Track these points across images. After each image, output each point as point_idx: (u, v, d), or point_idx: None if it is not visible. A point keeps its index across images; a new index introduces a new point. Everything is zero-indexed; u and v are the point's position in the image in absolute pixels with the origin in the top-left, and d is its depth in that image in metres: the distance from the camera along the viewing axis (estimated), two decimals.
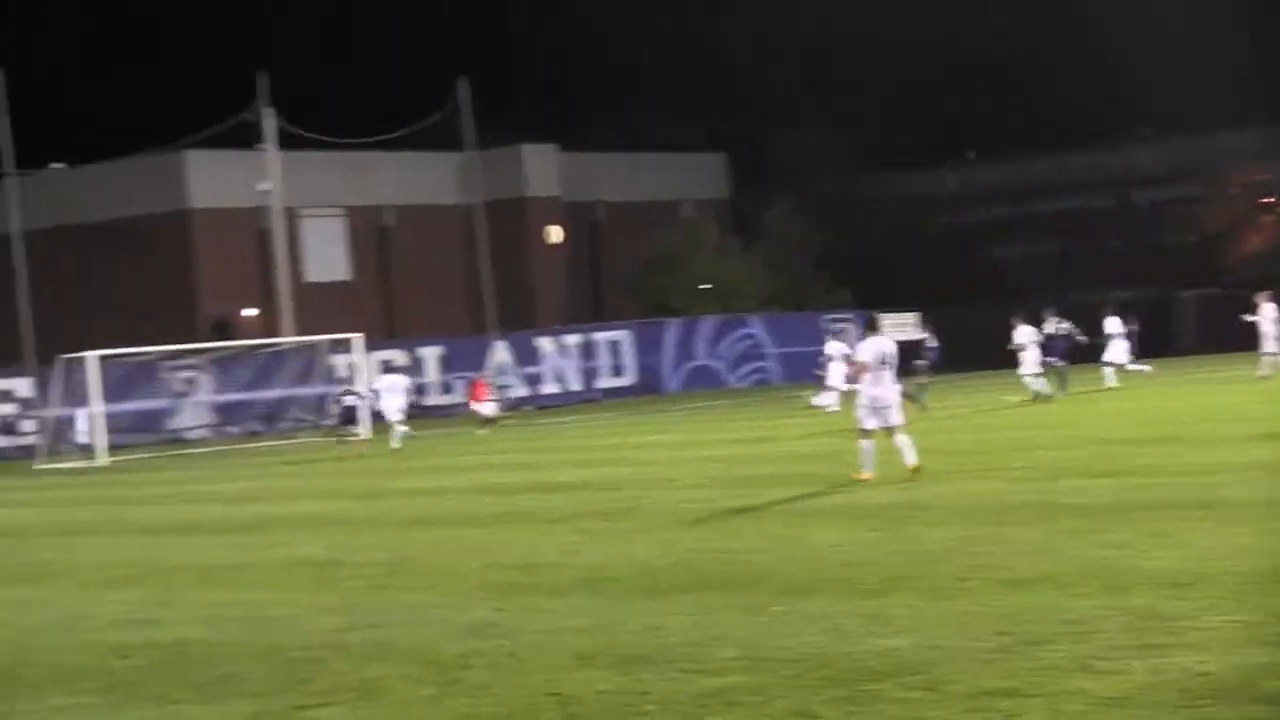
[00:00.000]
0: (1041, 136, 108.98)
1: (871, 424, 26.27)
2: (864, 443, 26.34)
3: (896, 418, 26.44)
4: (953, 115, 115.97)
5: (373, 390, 52.01)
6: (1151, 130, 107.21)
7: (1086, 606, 14.15)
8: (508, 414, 58.24)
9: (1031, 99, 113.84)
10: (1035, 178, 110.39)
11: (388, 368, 54.38)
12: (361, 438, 50.48)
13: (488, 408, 55.89)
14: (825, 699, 11.58)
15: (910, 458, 26.14)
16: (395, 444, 48.07)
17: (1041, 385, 47.54)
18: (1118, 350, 51.85)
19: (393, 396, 49.75)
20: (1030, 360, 48.44)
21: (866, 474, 25.99)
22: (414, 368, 70.34)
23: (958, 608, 14.53)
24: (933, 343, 53.17)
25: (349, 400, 51.80)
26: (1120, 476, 24.33)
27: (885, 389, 26.36)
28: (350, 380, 54.28)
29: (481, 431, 53.83)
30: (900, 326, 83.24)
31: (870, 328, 27.76)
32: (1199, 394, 45.66)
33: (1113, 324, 52.28)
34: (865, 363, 26.68)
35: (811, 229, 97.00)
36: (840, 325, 54.59)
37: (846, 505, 23.12)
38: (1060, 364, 50.20)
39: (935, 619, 14.08)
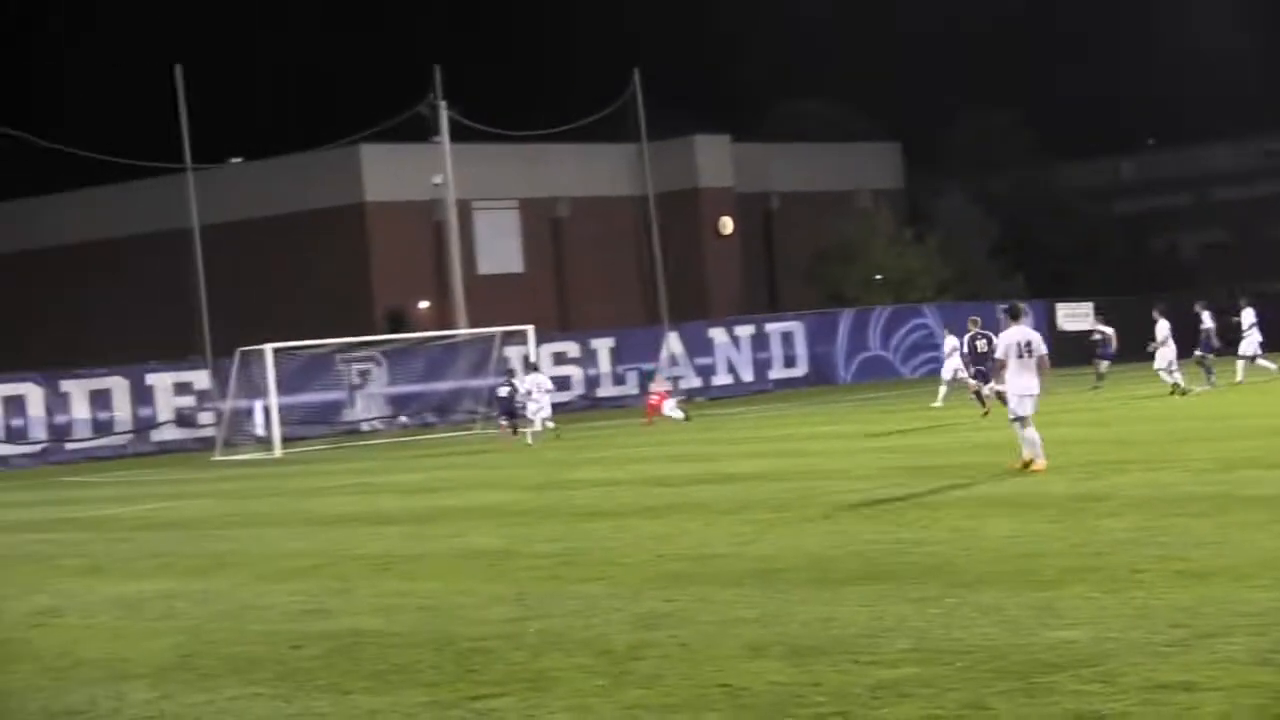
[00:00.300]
0: (1219, 123, 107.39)
1: (1025, 410, 26.20)
2: (1025, 431, 26.27)
3: (1032, 408, 26.34)
4: (1130, 102, 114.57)
5: (515, 387, 51.76)
6: None
7: (1265, 599, 13.92)
8: (683, 404, 58.14)
9: (1210, 86, 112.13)
10: (1213, 165, 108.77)
11: (529, 366, 54.28)
12: (514, 430, 50.47)
13: (671, 407, 55.95)
14: (998, 691, 11.48)
15: (1027, 453, 26.14)
16: (529, 441, 48.57)
17: (1177, 378, 46.58)
18: (1250, 343, 50.54)
19: (538, 396, 49.81)
20: (1164, 354, 47.50)
21: (1040, 463, 25.81)
22: (585, 359, 70.64)
23: (1134, 599, 14.34)
24: (1106, 332, 52.50)
25: (504, 392, 51.98)
26: None
27: (1028, 378, 26.24)
28: (509, 373, 54.53)
29: (678, 417, 54.34)
30: (1075, 316, 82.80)
31: (1012, 316, 27.39)
32: None
33: (1248, 316, 51.03)
34: (1000, 358, 26.77)
35: (986, 218, 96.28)
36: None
37: (1021, 495, 22.89)
38: (1208, 356, 49.42)
39: (1111, 611, 13.90)
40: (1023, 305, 28.73)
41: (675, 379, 69.56)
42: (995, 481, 25.15)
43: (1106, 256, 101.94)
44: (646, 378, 62.13)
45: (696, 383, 71.98)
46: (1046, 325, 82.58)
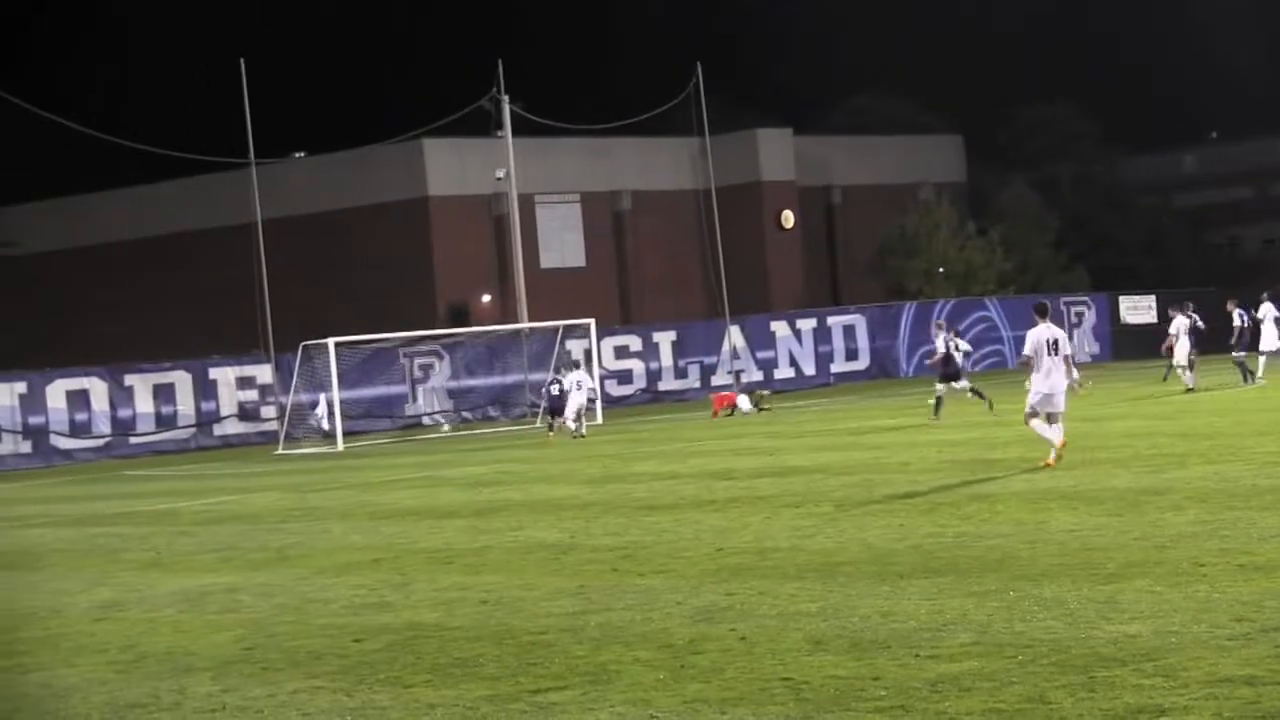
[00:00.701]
0: None
1: (1038, 408, 26.50)
2: (1035, 424, 26.71)
3: (1060, 405, 26.48)
4: (1192, 95, 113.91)
5: (559, 384, 51.72)
6: None
7: None
8: (759, 396, 57.99)
9: (1272, 79, 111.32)
10: (1275, 159, 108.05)
11: (569, 364, 54.27)
12: (561, 426, 50.32)
13: (744, 403, 56.00)
14: (1060, 685, 11.45)
15: (1053, 453, 26.25)
16: (579, 432, 48.91)
17: (1190, 378, 45.80)
18: (1270, 338, 49.84)
19: (577, 394, 49.76)
20: (1182, 351, 46.96)
21: (1049, 458, 26.12)
22: (647, 352, 70.60)
23: (1196, 593, 14.28)
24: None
25: (555, 390, 51.84)
26: None
27: (1057, 377, 26.28)
28: (557, 369, 54.61)
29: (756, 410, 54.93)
30: (1138, 309, 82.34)
31: (1039, 314, 27.30)
32: None
33: (1267, 310, 50.39)
34: (1028, 356, 26.76)
35: (1048, 211, 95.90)
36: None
37: (1083, 489, 22.79)
38: (1243, 354, 49.01)
39: (1173, 605, 13.85)
40: (1048, 304, 28.53)
41: (738, 373, 69.47)
42: (1056, 475, 25.05)
43: (1168, 250, 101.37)
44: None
45: (758, 376, 71.79)
46: (1110, 318, 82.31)
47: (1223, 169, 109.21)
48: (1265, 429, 30.83)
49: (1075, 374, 27.28)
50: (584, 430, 49.35)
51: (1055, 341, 26.42)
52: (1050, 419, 26.31)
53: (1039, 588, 15.18)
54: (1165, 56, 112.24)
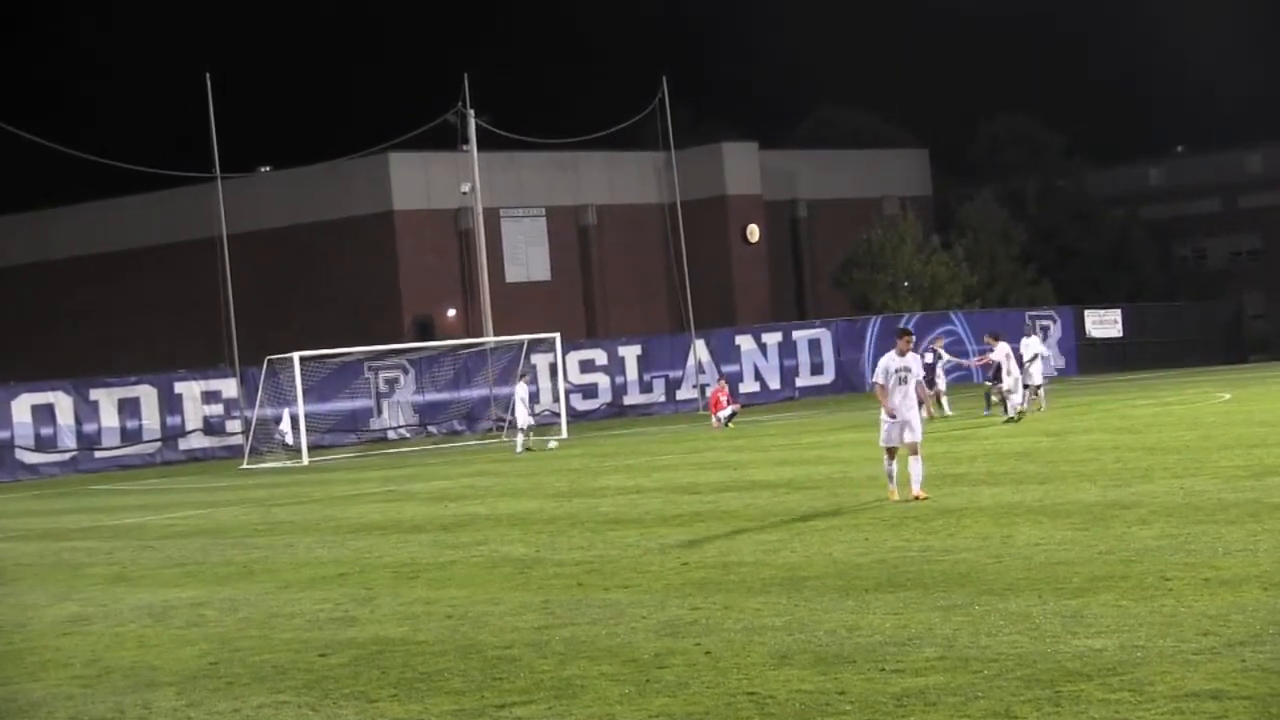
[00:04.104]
0: (1247, 130, 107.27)
1: (891, 440, 25.12)
2: (887, 466, 25.35)
3: (917, 435, 25.05)
4: (1158, 108, 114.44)
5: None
6: None
7: None
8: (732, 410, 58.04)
9: (1238, 92, 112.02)
10: (1241, 172, 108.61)
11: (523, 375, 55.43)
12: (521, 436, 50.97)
13: (726, 412, 56.18)
14: (1025, 699, 11.44)
15: (910, 491, 24.88)
16: (518, 450, 49.90)
17: (1017, 401, 45.16)
18: (1034, 371, 49.42)
19: (521, 405, 50.80)
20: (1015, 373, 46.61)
21: (893, 491, 25.09)
22: (612, 366, 70.57)
23: (1163, 607, 14.30)
24: None
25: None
26: None
27: (905, 409, 24.87)
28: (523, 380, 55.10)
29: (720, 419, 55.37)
30: (1104, 323, 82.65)
31: (898, 336, 26.06)
32: None
33: (1030, 344, 50.00)
34: (880, 382, 25.24)
35: (1014, 225, 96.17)
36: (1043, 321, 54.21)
37: (1050, 503, 22.83)
38: None
39: (1139, 619, 13.87)
40: (910, 330, 26.99)
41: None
42: (1022, 489, 25.08)
43: (1134, 263, 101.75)
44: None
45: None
46: (1075, 331, 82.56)
47: (1189, 182, 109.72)
48: (1230, 443, 30.92)
49: (928, 409, 26.29)
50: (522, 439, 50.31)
51: (905, 370, 25.12)
52: (911, 450, 25.10)
53: (1005, 602, 15.19)
54: (1132, 71, 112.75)
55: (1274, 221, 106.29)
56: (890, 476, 25.09)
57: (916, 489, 24.77)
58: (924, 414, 26.89)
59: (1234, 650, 12.40)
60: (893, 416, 24.88)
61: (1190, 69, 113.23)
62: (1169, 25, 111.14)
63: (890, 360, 25.33)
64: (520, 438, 50.75)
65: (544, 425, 60.81)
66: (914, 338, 26.67)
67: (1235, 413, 41.03)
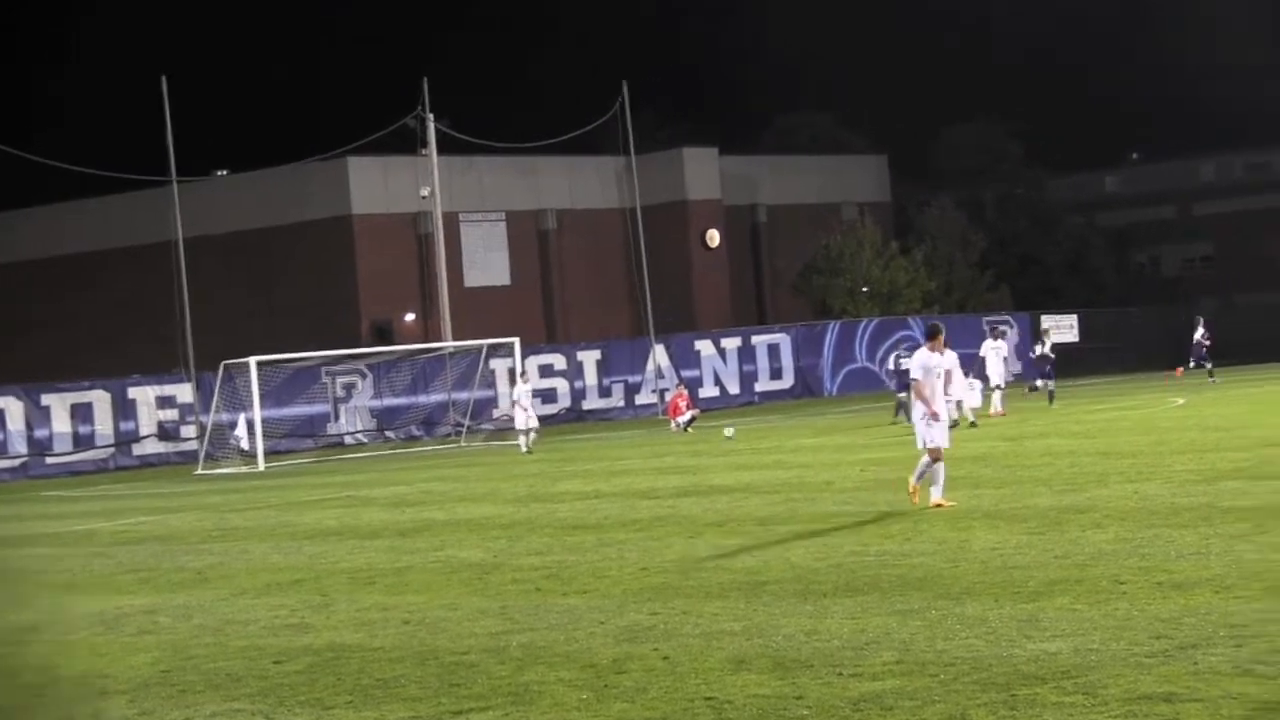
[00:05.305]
0: (1202, 138, 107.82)
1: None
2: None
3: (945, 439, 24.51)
4: (1114, 116, 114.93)
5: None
6: None
7: (1247, 610, 13.96)
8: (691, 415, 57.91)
9: (1193, 101, 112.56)
10: (1197, 180, 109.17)
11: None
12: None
13: (686, 417, 56.20)
14: (981, 703, 11.47)
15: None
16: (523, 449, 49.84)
17: (975, 402, 45.65)
18: (995, 373, 50.09)
19: (520, 408, 51.05)
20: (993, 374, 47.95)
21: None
22: (572, 371, 70.51)
23: (1117, 611, 14.36)
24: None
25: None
26: None
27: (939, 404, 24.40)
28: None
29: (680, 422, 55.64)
30: (1060, 328, 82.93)
31: (934, 333, 25.26)
32: None
33: (988, 346, 50.95)
34: (920, 380, 24.43)
35: (972, 230, 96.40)
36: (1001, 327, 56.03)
37: (1005, 508, 22.89)
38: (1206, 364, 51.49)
39: (1093, 622, 13.92)
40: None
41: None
42: (978, 493, 25.14)
43: (1091, 269, 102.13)
44: None
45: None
46: (1032, 337, 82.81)
47: (1145, 189, 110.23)
48: (1184, 448, 31.06)
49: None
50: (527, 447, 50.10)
51: (942, 369, 24.58)
52: (935, 455, 24.79)
53: (961, 606, 15.22)
54: (1088, 79, 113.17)
55: (1226, 228, 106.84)
56: (937, 479, 23.90)
57: (938, 495, 24.10)
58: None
59: (1186, 653, 12.45)
60: (937, 418, 24.18)
61: (1144, 78, 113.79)
62: (1124, 36, 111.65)
63: (928, 358, 24.49)
64: (522, 439, 50.23)
65: (503, 429, 60.86)
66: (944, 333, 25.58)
67: (1189, 418, 41.20)
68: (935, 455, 24.02)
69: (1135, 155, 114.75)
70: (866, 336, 79.91)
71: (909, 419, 47.52)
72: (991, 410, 47.66)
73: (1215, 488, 23.40)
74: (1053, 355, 52.88)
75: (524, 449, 49.69)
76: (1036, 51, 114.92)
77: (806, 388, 77.27)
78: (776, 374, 76.92)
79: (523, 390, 51.34)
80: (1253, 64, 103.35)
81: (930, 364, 24.41)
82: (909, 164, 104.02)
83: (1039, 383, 52.91)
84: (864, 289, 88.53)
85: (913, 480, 24.15)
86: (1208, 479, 24.69)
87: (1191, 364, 61.87)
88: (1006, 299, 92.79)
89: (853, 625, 14.71)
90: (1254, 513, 20.17)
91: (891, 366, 52.38)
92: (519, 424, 50.96)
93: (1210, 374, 60.01)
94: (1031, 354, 53.83)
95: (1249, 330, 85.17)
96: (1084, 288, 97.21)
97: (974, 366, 49.58)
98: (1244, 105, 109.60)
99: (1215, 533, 18.73)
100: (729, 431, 46.32)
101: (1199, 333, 61.32)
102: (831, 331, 79.46)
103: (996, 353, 50.10)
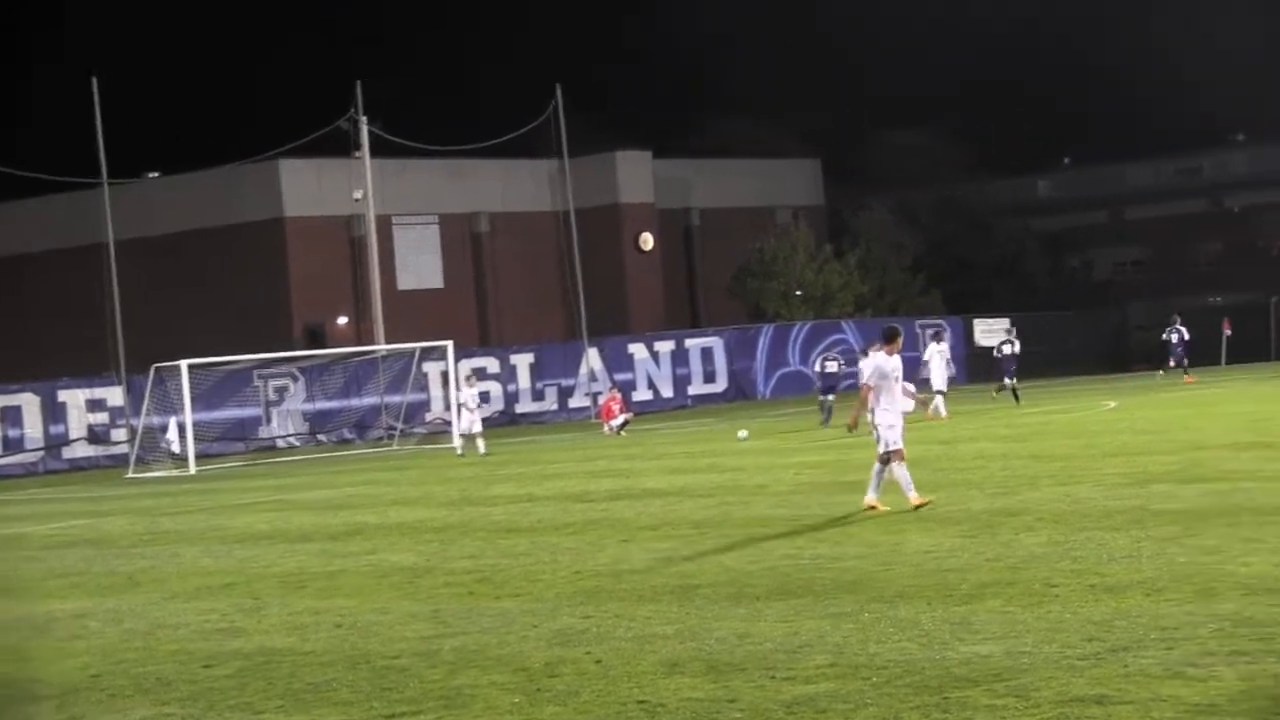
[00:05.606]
0: (1136, 143, 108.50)
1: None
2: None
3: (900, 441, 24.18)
4: (1049, 122, 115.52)
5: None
6: (1244, 136, 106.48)
7: (1178, 612, 14.03)
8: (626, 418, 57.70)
9: (1126, 106, 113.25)
10: (1129, 184, 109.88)
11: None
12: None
13: (619, 420, 56.09)
14: (913, 706, 11.49)
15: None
16: (482, 451, 49.28)
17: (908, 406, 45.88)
18: (938, 377, 50.50)
19: (467, 410, 50.81)
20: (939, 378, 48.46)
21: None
22: (505, 374, 70.41)
23: (1049, 614, 14.40)
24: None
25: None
26: (1213, 482, 24.09)
27: (894, 406, 24.21)
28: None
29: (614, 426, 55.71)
30: (992, 331, 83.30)
31: (892, 337, 24.96)
32: None
33: (933, 350, 51.42)
34: (871, 384, 24.30)
35: (905, 234, 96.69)
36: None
37: (938, 511, 22.93)
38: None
39: (1026, 625, 13.96)
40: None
41: (595, 394, 69.53)
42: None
43: (1024, 273, 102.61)
44: None
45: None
46: (965, 340, 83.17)
47: (1077, 194, 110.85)
48: (1115, 451, 31.22)
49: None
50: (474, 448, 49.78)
51: (897, 371, 24.42)
52: (898, 455, 24.75)
53: (894, 609, 15.25)
54: (1021, 83, 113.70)
55: (1158, 233, 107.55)
56: (908, 484, 23.60)
57: (874, 498, 23.94)
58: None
59: (1117, 655, 12.51)
60: (875, 422, 24.04)
61: (1076, 84, 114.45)
62: (1059, 39, 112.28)
63: (885, 361, 24.31)
64: (478, 442, 49.68)
65: (436, 432, 60.78)
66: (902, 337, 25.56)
67: (1120, 421, 41.43)
68: (898, 456, 23.87)
69: (1068, 160, 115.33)
70: (800, 340, 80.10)
71: (827, 422, 47.90)
72: (930, 413, 47.79)
73: (1146, 490, 23.52)
74: (1018, 354, 53.88)
75: (482, 450, 49.05)
76: (971, 56, 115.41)
77: (740, 391, 77.40)
78: (710, 377, 77.02)
79: (469, 394, 51.13)
80: (1185, 70, 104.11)
81: (887, 368, 24.28)
82: (843, 167, 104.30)
83: (1007, 381, 53.39)
84: (797, 292, 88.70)
85: (871, 496, 23.86)
86: (1138, 482, 24.81)
87: (1171, 364, 62.54)
88: (938, 303, 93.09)
89: (786, 628, 14.72)
90: (1184, 516, 20.28)
91: (818, 369, 52.59)
92: (464, 427, 50.60)
93: (1185, 372, 60.85)
94: (998, 354, 54.63)
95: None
96: (1015, 291, 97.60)
97: (920, 370, 50.00)
98: (1176, 110, 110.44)
99: (1146, 536, 18.82)
100: (743, 434, 45.94)
101: (1176, 333, 62.06)
102: (765, 335, 79.63)
103: (941, 356, 50.29)
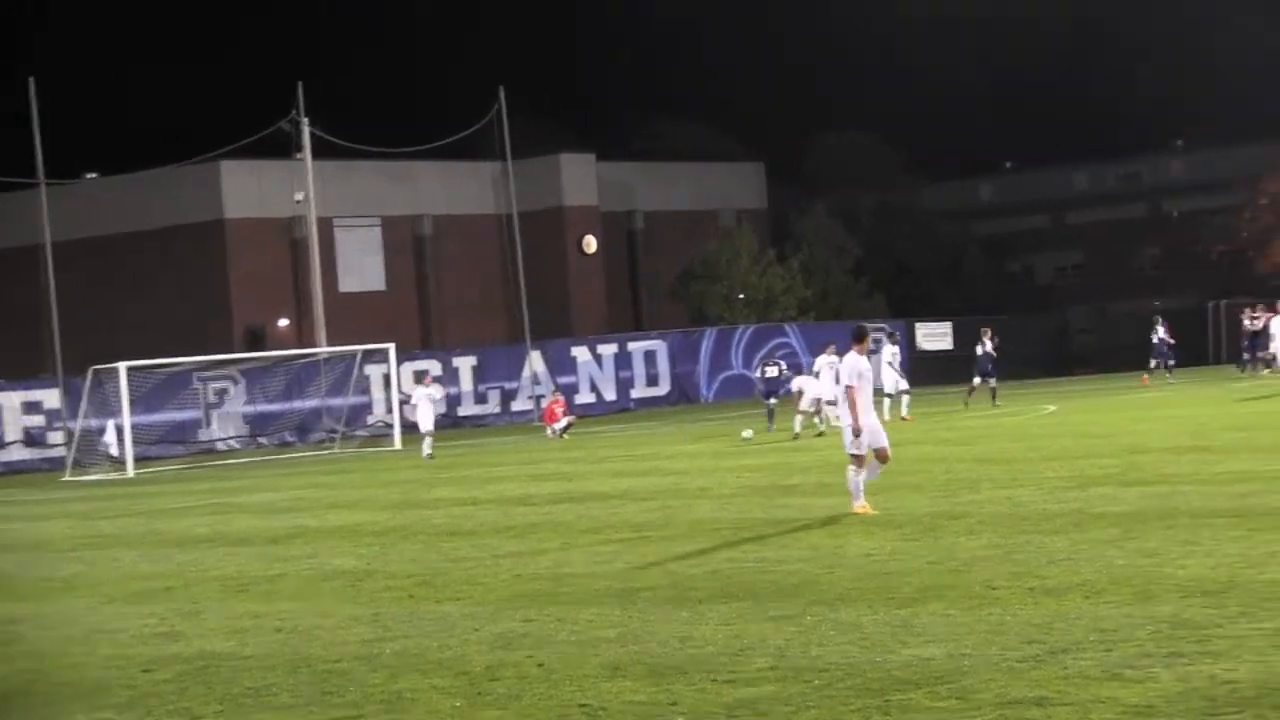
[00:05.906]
0: (1076, 148, 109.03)
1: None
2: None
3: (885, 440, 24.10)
4: (989, 126, 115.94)
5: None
6: (1183, 141, 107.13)
7: (1116, 615, 14.09)
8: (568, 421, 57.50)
9: (1067, 111, 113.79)
10: (1070, 189, 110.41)
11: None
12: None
13: (562, 424, 55.96)
14: (855, 708, 11.50)
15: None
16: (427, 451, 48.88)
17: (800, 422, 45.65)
18: (889, 380, 50.59)
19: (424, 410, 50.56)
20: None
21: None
22: (447, 377, 70.30)
23: (989, 616, 14.45)
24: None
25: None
26: (1151, 485, 24.22)
27: (869, 407, 23.88)
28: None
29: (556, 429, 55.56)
30: (934, 336, 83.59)
31: (863, 336, 24.52)
32: (1230, 403, 45.48)
33: (886, 352, 51.47)
34: (853, 385, 23.71)
35: (848, 238, 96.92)
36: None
37: (880, 514, 22.96)
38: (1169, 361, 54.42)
39: (967, 627, 14.00)
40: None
41: (538, 398, 69.47)
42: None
43: (966, 277, 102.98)
44: None
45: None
46: (907, 344, 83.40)
47: (1018, 198, 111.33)
48: (1056, 454, 31.35)
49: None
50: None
51: (869, 372, 24.05)
52: (884, 456, 24.42)
53: (836, 612, 15.26)
54: (961, 88, 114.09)
55: (1098, 237, 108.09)
56: (858, 490, 23.36)
57: (861, 503, 23.49)
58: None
59: (1057, 658, 12.55)
60: (861, 425, 23.44)
61: (1016, 89, 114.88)
62: (999, 43, 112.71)
63: (858, 361, 23.80)
64: (426, 441, 49.61)
65: (378, 435, 60.65)
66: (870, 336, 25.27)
67: (1060, 425, 41.64)
68: (882, 457, 23.75)
69: (1010, 164, 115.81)
70: (743, 343, 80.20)
71: (771, 427, 47.92)
72: (885, 416, 47.77)
73: (1086, 494, 23.63)
74: (994, 354, 53.71)
75: (426, 452, 48.81)
76: (912, 59, 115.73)
77: (683, 394, 77.48)
78: (653, 380, 77.08)
79: (424, 393, 51.08)
80: (1125, 77, 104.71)
81: (861, 368, 23.78)
82: (786, 171, 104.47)
83: (977, 380, 53.35)
84: (740, 296, 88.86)
85: (858, 502, 23.51)
86: (1078, 485, 24.92)
87: (1154, 365, 62.82)
88: (881, 306, 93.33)
89: (728, 631, 14.72)
90: (1123, 518, 20.37)
91: (759, 374, 52.72)
92: (426, 425, 50.40)
93: (1169, 372, 61.21)
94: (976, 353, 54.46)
95: (1118, 336, 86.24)
96: (957, 295, 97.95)
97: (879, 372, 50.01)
98: (1116, 116, 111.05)
99: (1085, 539, 18.89)
100: (747, 434, 45.63)
101: (1159, 333, 62.42)
102: (708, 338, 79.73)
103: (895, 358, 50.37)
